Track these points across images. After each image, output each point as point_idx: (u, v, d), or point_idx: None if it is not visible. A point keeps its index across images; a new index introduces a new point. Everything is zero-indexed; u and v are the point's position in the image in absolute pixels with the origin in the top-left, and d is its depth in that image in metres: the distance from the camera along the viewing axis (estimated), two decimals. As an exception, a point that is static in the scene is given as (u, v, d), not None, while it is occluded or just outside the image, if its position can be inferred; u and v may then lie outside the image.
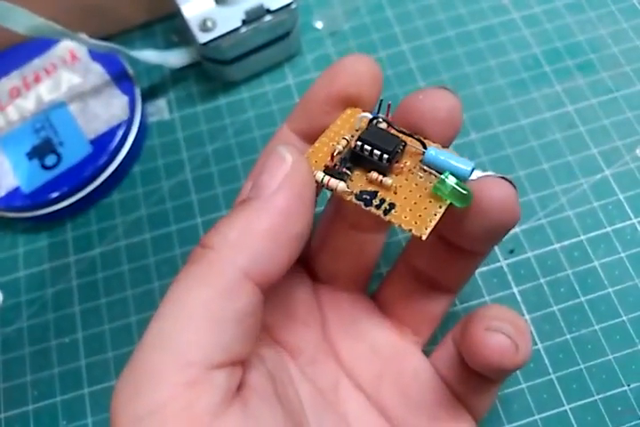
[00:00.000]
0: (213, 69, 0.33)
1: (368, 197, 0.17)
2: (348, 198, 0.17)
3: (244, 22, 0.30)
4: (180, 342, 0.14)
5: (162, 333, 0.14)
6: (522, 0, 0.34)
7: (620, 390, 0.26)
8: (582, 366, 0.26)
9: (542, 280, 0.28)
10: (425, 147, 0.18)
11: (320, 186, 0.18)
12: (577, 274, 0.28)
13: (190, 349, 0.14)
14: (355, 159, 0.18)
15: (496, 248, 0.29)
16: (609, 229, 0.29)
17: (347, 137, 0.18)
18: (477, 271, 0.28)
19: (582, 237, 0.29)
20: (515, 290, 0.28)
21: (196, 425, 0.13)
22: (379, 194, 0.17)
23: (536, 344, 0.27)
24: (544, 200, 0.30)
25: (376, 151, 0.17)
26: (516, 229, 0.29)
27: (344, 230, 0.22)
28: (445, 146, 0.19)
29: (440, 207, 0.17)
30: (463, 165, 0.17)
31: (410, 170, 0.18)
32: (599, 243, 0.28)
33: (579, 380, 0.26)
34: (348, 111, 0.19)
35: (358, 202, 0.17)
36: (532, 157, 0.31)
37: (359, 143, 0.17)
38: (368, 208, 0.17)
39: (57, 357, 0.28)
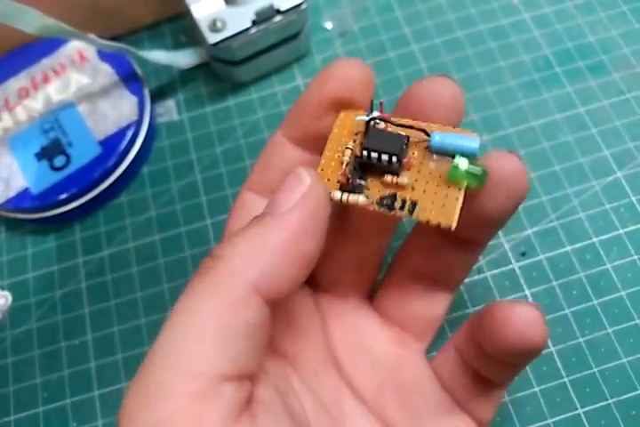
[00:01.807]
0: (222, 70, 0.33)
1: (389, 202, 0.17)
2: (371, 208, 0.18)
3: (254, 23, 0.30)
4: (189, 353, 0.14)
5: (171, 344, 0.14)
6: (532, 0, 0.34)
7: (633, 393, 0.26)
8: (595, 370, 0.26)
9: (554, 283, 0.28)
10: (428, 134, 0.17)
11: (340, 204, 0.18)
12: (589, 277, 0.28)
13: (199, 360, 0.14)
14: (364, 167, 0.18)
15: (508, 251, 0.29)
16: (621, 231, 0.29)
17: (350, 146, 0.18)
18: (489, 274, 0.28)
19: (594, 240, 0.28)
20: (527, 293, 0.28)
21: None
22: (398, 195, 0.17)
23: (549, 347, 0.27)
24: (556, 202, 0.29)
25: (384, 156, 0.17)
26: (528, 232, 0.29)
27: (345, 238, 0.21)
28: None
29: (459, 190, 0.17)
30: (470, 142, 0.17)
31: (420, 161, 0.18)
32: (611, 245, 0.28)
33: (592, 383, 0.26)
34: (342, 115, 0.19)
35: (382, 209, 0.17)
36: (543, 159, 0.30)
37: (365, 152, 0.17)
38: (393, 212, 0.17)
39: (66, 359, 0.28)
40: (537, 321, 0.17)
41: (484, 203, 0.18)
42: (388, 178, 0.18)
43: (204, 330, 0.14)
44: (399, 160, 0.17)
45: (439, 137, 0.17)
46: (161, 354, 0.14)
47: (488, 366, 0.19)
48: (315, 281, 0.22)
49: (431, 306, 0.21)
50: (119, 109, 0.31)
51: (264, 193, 0.20)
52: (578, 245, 0.28)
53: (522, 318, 0.17)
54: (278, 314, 0.19)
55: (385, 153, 0.17)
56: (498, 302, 0.18)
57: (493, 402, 0.20)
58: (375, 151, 0.17)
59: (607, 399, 0.26)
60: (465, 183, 0.17)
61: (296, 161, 0.19)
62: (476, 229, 0.19)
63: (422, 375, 0.21)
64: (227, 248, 0.16)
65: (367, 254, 0.22)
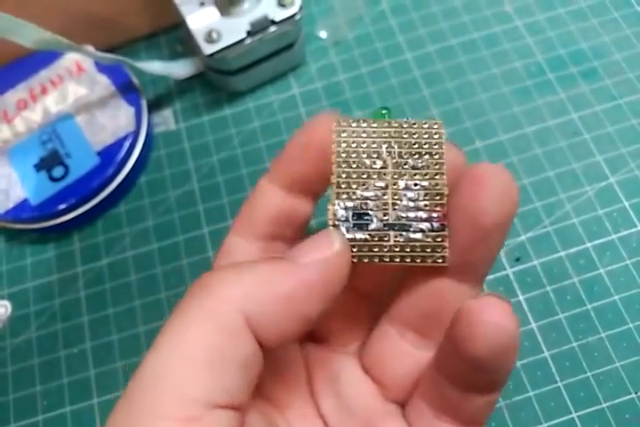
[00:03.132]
0: (218, 80, 0.33)
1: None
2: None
3: (249, 33, 0.30)
4: (179, 377, 0.14)
5: (161, 365, 0.14)
6: (525, 8, 0.35)
7: (627, 397, 0.26)
8: (589, 374, 0.26)
9: (548, 288, 0.28)
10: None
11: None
12: (583, 282, 0.28)
13: (190, 385, 0.14)
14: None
15: (502, 256, 0.29)
16: (614, 236, 0.29)
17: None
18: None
19: (588, 245, 0.29)
20: (521, 298, 0.28)
21: None
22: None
23: (543, 352, 0.27)
24: (549, 208, 0.30)
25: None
26: (522, 237, 0.29)
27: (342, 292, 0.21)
28: None
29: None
30: None
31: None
32: (605, 250, 0.29)
33: (586, 388, 0.26)
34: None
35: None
36: (536, 165, 0.31)
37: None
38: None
39: (66, 367, 0.29)
40: (507, 308, 0.15)
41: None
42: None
43: (195, 355, 0.14)
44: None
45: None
46: (150, 375, 0.14)
47: (473, 373, 0.18)
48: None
49: (414, 366, 0.19)
50: (117, 120, 0.31)
51: (250, 238, 0.19)
52: (571, 251, 0.29)
53: (493, 310, 0.15)
54: (265, 360, 0.18)
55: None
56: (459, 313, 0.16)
57: (488, 406, 0.19)
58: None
59: (601, 404, 0.26)
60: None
61: (281, 205, 0.19)
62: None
63: None
64: (230, 277, 0.15)
65: (362, 309, 0.21)
